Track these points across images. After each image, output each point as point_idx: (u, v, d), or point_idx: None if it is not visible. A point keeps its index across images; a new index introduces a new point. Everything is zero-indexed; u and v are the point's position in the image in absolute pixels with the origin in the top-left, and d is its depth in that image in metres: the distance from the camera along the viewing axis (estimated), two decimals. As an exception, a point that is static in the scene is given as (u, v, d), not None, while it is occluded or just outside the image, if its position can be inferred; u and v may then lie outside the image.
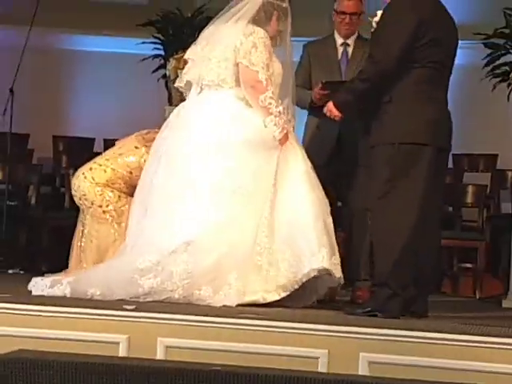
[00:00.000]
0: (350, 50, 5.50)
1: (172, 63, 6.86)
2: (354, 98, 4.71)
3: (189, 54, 5.02)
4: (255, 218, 4.71)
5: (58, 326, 4.04)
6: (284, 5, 4.91)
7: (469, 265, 7.32)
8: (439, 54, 4.63)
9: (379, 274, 4.62)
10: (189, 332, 3.97)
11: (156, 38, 7.08)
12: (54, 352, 3.83)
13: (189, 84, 5.01)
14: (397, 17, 4.61)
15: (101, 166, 5.31)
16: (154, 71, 7.17)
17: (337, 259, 4.74)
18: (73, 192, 5.36)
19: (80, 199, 5.30)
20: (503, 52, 6.57)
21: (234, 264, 4.62)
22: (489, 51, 6.63)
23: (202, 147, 4.79)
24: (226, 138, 4.77)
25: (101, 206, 5.23)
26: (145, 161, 5.18)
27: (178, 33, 7.01)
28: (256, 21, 4.85)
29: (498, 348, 3.80)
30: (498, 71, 6.61)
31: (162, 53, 7.07)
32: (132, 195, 5.19)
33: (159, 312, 4.08)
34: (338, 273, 4.73)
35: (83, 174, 5.29)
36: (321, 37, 5.74)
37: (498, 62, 6.59)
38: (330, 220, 4.81)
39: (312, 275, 4.65)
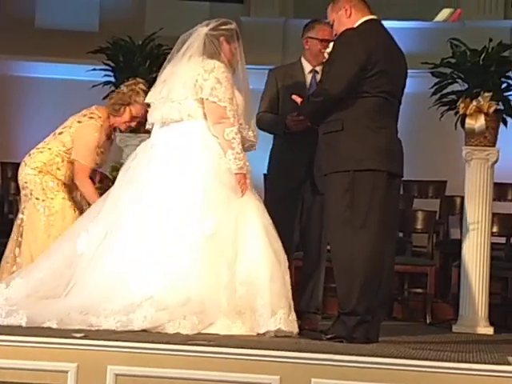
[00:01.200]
0: (318, 77, 5.47)
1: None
2: (307, 117, 4.91)
3: (149, 98, 5.08)
4: (217, 270, 4.67)
5: (5, 355, 3.97)
6: (228, 26, 4.94)
7: (419, 290, 7.37)
8: (389, 84, 4.73)
9: (346, 302, 4.64)
10: (139, 359, 3.93)
11: (106, 64, 7.03)
12: (2, 382, 3.77)
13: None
14: (347, 49, 4.70)
15: (38, 149, 5.48)
16: (104, 98, 7.13)
17: (293, 316, 4.74)
18: (19, 182, 5.49)
19: (23, 187, 5.44)
20: (450, 81, 6.65)
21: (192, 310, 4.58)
22: (436, 80, 6.71)
23: (169, 182, 4.78)
24: (194, 169, 4.77)
25: (38, 199, 5.32)
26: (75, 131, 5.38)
27: (128, 60, 6.98)
28: (208, 53, 4.88)
29: (449, 373, 3.81)
30: (445, 100, 6.68)
31: (113, 79, 7.02)
32: (70, 192, 5.38)
33: (108, 340, 4.03)
34: (294, 329, 4.71)
35: (24, 161, 5.47)
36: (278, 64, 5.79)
37: (445, 91, 6.67)
38: (287, 277, 4.79)
39: (267, 336, 4.62)
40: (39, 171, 5.35)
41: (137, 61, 6.93)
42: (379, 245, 4.63)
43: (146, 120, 5.21)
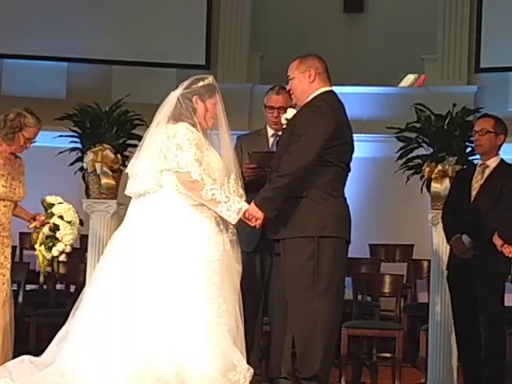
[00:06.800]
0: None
1: (90, 156, 6.86)
2: (275, 195, 4.64)
3: (127, 169, 4.85)
4: None
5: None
6: (200, 84, 4.72)
7: (387, 354, 7.35)
8: (347, 155, 4.82)
9: (307, 367, 4.63)
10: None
11: (73, 131, 7.04)
12: None
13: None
14: (317, 117, 4.70)
15: None
16: (71, 164, 7.13)
17: (237, 374, 4.43)
18: None
19: None
20: (415, 145, 6.74)
21: None
22: (402, 144, 6.79)
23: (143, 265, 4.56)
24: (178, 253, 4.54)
25: None
26: None
27: (95, 126, 6.99)
28: (176, 117, 4.67)
29: None
30: (411, 164, 6.76)
31: (80, 146, 7.03)
32: None
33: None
34: None
35: None
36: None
37: (410, 155, 6.76)
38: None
39: None
40: None
41: (104, 127, 6.94)
42: (339, 309, 4.74)
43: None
